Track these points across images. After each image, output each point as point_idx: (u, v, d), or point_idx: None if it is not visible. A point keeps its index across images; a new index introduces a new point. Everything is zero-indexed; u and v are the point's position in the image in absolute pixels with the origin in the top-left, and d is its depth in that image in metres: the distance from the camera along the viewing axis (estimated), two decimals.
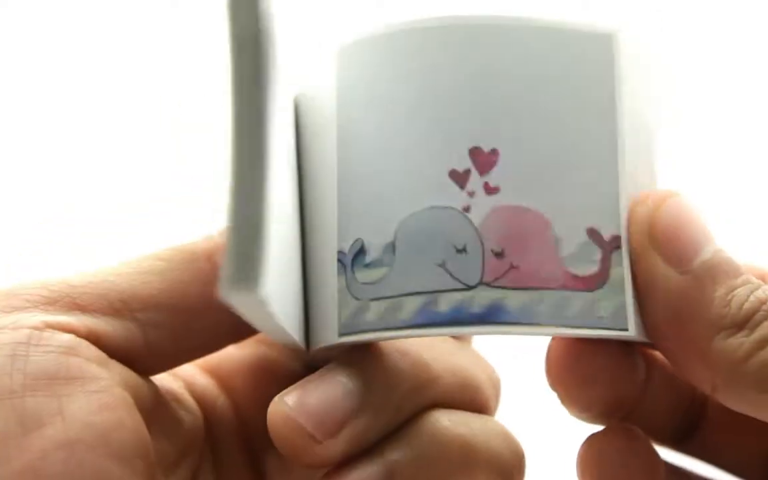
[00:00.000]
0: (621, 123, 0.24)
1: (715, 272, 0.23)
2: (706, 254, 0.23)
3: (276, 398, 0.23)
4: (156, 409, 0.24)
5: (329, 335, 0.24)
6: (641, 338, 0.24)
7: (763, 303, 0.22)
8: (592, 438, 0.26)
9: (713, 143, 0.53)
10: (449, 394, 0.25)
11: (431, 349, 0.25)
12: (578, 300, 0.23)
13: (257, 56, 0.18)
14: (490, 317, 0.23)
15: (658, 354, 0.26)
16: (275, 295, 0.20)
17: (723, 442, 0.27)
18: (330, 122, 0.25)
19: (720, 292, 0.23)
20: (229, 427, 0.27)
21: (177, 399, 0.26)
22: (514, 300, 0.23)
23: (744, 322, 0.22)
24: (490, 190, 0.24)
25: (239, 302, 0.18)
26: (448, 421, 0.25)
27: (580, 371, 0.24)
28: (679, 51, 0.50)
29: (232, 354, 0.28)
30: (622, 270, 0.24)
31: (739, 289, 0.23)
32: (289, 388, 0.23)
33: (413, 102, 0.24)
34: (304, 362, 0.27)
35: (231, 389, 0.27)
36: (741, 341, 0.22)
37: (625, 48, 0.25)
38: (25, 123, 0.53)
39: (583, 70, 0.24)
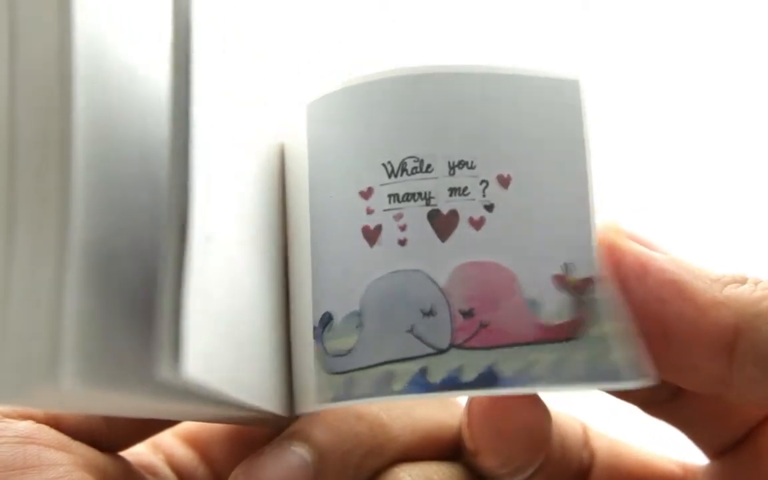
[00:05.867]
0: (589, 166, 0.24)
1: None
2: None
3: (234, 472, 0.23)
4: None
5: (309, 403, 0.24)
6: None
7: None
8: None
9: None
10: (411, 450, 0.25)
11: (390, 408, 0.25)
12: (552, 353, 0.23)
13: None
14: (484, 383, 0.22)
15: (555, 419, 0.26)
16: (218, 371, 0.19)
17: None
18: (304, 180, 0.25)
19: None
20: None
21: (154, 472, 0.26)
22: (506, 365, 0.22)
23: (742, 279, 0.23)
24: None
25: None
26: (408, 477, 0.24)
27: (504, 429, 0.24)
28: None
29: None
30: (606, 319, 0.23)
31: None
32: (245, 462, 0.23)
33: (378, 157, 0.24)
34: (281, 428, 0.27)
35: (210, 458, 0.27)
36: (752, 288, 0.22)
37: (587, 93, 0.24)
38: None
39: (553, 115, 0.24)
